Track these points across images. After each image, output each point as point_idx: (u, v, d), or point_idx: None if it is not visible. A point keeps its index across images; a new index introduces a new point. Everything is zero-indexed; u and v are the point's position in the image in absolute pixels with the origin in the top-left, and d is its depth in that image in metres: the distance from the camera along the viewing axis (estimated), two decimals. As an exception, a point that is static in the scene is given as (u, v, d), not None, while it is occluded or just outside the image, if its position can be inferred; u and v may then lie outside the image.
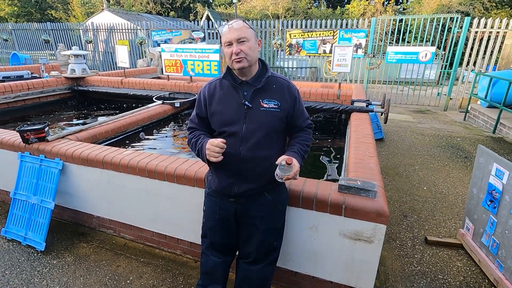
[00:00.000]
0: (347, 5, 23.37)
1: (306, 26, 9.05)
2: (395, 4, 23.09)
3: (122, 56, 4.65)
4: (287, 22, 9.29)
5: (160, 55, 10.14)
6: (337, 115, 3.65)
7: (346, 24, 8.67)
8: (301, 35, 9.10)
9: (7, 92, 4.10)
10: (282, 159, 1.26)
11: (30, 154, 2.37)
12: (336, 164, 3.03)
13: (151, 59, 9.76)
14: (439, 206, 2.94)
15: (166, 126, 3.72)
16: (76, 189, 2.33)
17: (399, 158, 4.16)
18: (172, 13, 24.02)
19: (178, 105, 3.83)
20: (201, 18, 20.96)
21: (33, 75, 7.61)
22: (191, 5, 23.46)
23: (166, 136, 3.52)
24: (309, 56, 9.37)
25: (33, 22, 14.48)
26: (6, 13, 21.95)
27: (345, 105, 3.47)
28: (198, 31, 10.55)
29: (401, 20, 8.51)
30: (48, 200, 2.24)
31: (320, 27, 8.87)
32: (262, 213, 1.42)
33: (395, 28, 8.61)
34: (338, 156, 3.20)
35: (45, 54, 14.52)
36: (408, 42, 13.44)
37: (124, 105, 4.76)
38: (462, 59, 7.88)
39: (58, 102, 4.83)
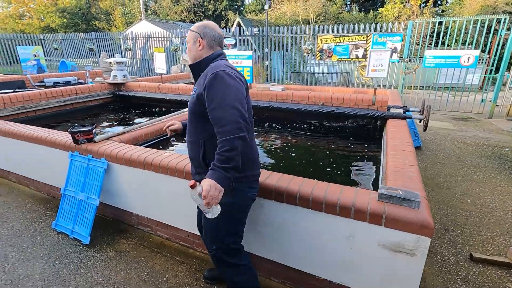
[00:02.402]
0: (381, 8, 22.68)
1: (338, 31, 8.93)
2: (433, 6, 21.99)
3: (160, 62, 4.89)
4: (318, 27, 9.22)
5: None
6: (372, 122, 3.53)
7: (381, 28, 8.42)
8: (333, 40, 8.97)
9: (59, 96, 4.47)
10: (192, 190, 1.25)
11: (79, 153, 2.57)
12: (370, 172, 2.93)
13: (185, 65, 10.14)
14: (485, 221, 2.72)
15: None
16: (118, 188, 2.48)
17: (438, 168, 3.93)
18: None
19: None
20: (232, 25, 21.48)
21: (79, 81, 8.24)
22: (223, 12, 24.12)
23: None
24: (340, 61, 9.21)
25: (79, 32, 15.74)
26: (57, 24, 24.06)
27: (381, 112, 3.36)
28: (229, 37, 10.81)
29: (440, 23, 8.08)
30: (94, 197, 2.40)
31: (353, 31, 8.70)
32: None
33: (433, 31, 8.20)
34: (372, 163, 3.10)
35: (89, 62, 15.67)
36: (447, 45, 12.70)
37: (163, 109, 5.00)
38: (510, 63, 7.30)
39: (101, 106, 5.19)
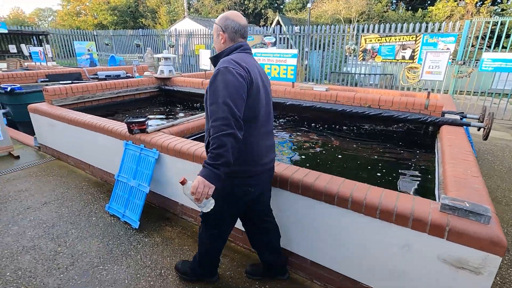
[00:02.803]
0: (430, 7, 21.24)
1: (384, 30, 8.52)
2: (491, 5, 20.11)
3: (205, 59, 5.03)
4: (363, 26, 8.88)
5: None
6: (423, 127, 3.33)
7: (432, 28, 7.89)
8: (378, 40, 8.58)
9: (112, 88, 4.80)
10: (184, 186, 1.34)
11: (132, 143, 2.73)
12: (421, 180, 2.76)
13: (224, 62, 10.31)
14: (554, 244, 2.44)
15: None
16: (166, 177, 2.60)
17: (495, 181, 3.60)
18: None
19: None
20: (271, 24, 21.47)
21: (127, 74, 8.78)
22: (262, 11, 24.18)
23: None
24: (382, 62, 8.78)
25: (127, 29, 16.74)
26: (108, 21, 25.84)
27: (435, 117, 3.15)
28: (270, 36, 10.82)
29: (497, 23, 7.35)
30: (144, 184, 2.54)
31: (401, 31, 8.25)
32: None
33: (491, 32, 7.49)
34: (421, 170, 2.92)
35: (135, 57, 16.63)
36: (506, 48, 11.49)
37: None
38: None
39: (149, 99, 5.47)
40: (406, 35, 8.09)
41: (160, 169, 2.60)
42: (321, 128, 3.98)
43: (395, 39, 8.31)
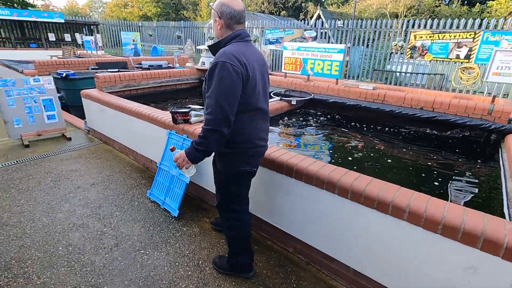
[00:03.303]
0: (491, 1, 19.24)
1: (437, 26, 7.86)
2: None
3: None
4: (414, 21, 8.27)
5: (270, 52, 10.57)
6: (484, 135, 3.00)
7: (495, 25, 7.11)
8: (430, 37, 7.95)
9: (156, 78, 4.95)
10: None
11: (176, 132, 2.77)
12: (480, 194, 2.49)
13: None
14: None
15: (281, 122, 3.81)
16: (205, 168, 2.61)
17: None
18: (283, 12, 24.76)
19: (295, 103, 3.87)
20: (311, 17, 20.93)
21: (169, 65, 9.05)
22: (303, 4, 23.61)
23: (280, 131, 3.61)
24: (431, 61, 8.13)
25: (170, 21, 17.28)
26: (152, 13, 26.90)
27: (500, 124, 2.82)
28: (310, 30, 10.52)
29: None
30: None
31: (457, 27, 7.55)
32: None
33: None
34: (480, 183, 2.64)
35: (175, 48, 17.16)
36: None
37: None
38: None
39: (189, 90, 5.58)
40: (463, 32, 7.40)
41: (201, 160, 2.61)
42: (365, 128, 3.76)
43: (450, 36, 7.64)
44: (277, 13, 24.89)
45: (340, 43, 10.11)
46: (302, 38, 10.76)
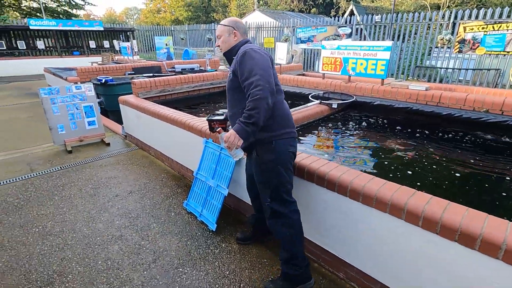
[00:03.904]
0: (550, -15, 17.13)
1: (492, 16, 7.06)
2: None
3: (281, 53, 4.79)
4: (463, 11, 7.51)
5: (302, 51, 10.25)
6: None
7: None
8: (482, 28, 7.17)
9: (190, 82, 4.92)
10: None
11: (213, 141, 2.65)
12: None
13: (293, 56, 9.95)
14: None
15: (323, 127, 3.55)
16: (240, 178, 2.45)
17: None
18: (313, 10, 24.16)
19: (336, 107, 3.59)
20: (342, 14, 20.14)
21: (201, 68, 9.11)
22: (334, 0, 22.84)
23: (323, 138, 3.35)
24: (477, 55, 7.32)
25: (200, 24, 17.58)
26: (183, 17, 27.64)
27: None
28: (345, 26, 10.03)
29: None
30: (223, 186, 2.44)
31: (516, 16, 6.72)
32: (254, 169, 1.80)
33: None
34: None
35: (205, 51, 17.40)
36: None
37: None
38: None
39: (222, 93, 5.49)
40: (524, 21, 6.55)
41: (239, 170, 2.46)
42: (418, 134, 3.37)
43: (507, 26, 6.81)
44: (307, 11, 24.34)
45: (377, 39, 9.52)
46: (336, 35, 10.29)
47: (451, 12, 7.72)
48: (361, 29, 10.05)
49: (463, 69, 8.08)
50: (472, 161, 2.75)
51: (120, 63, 8.61)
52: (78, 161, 3.80)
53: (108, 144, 4.36)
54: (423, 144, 3.15)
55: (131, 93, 4.51)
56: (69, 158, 3.91)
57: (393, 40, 9.30)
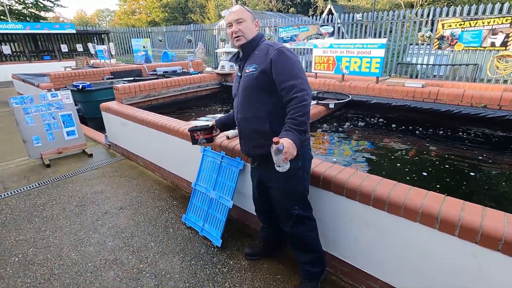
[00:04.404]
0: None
1: (468, 13, 7.30)
2: None
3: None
4: (441, 9, 7.73)
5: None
6: None
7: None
8: (460, 25, 7.40)
9: (176, 86, 4.68)
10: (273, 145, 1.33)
11: (211, 149, 2.46)
12: None
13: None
14: None
15: (323, 128, 3.44)
16: (250, 191, 2.28)
17: None
18: (292, 9, 24.29)
19: (333, 107, 3.50)
20: (320, 13, 20.37)
21: (183, 70, 8.81)
22: (312, 0, 23.08)
23: (325, 140, 3.24)
24: (453, 51, 7.57)
25: (178, 25, 17.17)
26: (160, 18, 26.92)
27: None
28: (327, 25, 10.07)
29: None
30: (227, 198, 2.26)
31: (491, 13, 6.98)
32: (275, 179, 1.62)
33: None
34: None
35: (185, 52, 16.99)
36: None
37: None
38: None
39: (210, 96, 5.29)
40: (498, 17, 6.82)
41: (243, 180, 2.29)
42: (417, 132, 3.35)
43: (483, 23, 7.07)
44: (286, 10, 24.43)
45: (355, 37, 9.62)
46: (318, 34, 10.33)
47: (429, 10, 7.91)
48: (339, 28, 10.11)
49: (444, 64, 8.33)
50: (480, 157, 2.74)
51: (97, 67, 8.15)
52: (58, 175, 3.47)
53: (91, 155, 4.04)
54: (429, 142, 3.12)
55: (112, 99, 4.22)
56: (48, 172, 3.57)
57: (374, 37, 9.44)
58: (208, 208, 2.38)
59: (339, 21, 9.87)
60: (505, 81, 7.11)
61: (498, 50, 7.00)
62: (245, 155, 1.82)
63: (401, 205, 1.45)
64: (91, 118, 5.94)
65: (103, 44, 15.66)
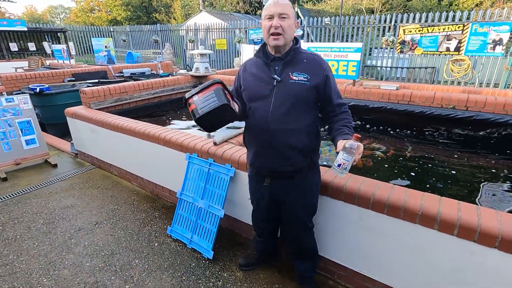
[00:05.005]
0: (457, -6, 20.06)
1: (426, 20, 7.88)
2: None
3: (248, 55, 4.60)
4: (402, 15, 8.25)
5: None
6: (526, 133, 2.83)
7: (483, 16, 7.20)
8: (419, 31, 7.96)
9: (149, 88, 4.44)
10: (346, 141, 1.24)
11: (198, 156, 2.34)
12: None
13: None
14: None
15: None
16: (241, 198, 2.21)
17: None
18: (259, 11, 24.46)
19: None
20: (287, 16, 20.69)
21: (152, 72, 8.44)
22: (278, 3, 23.41)
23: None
24: (409, 55, 8.16)
25: (142, 25, 16.47)
26: (122, 17, 25.61)
27: (547, 121, 2.65)
28: (297, 28, 10.25)
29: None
30: (217, 207, 2.16)
31: (446, 20, 7.59)
32: (295, 195, 1.54)
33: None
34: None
35: (151, 53, 16.33)
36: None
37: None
38: None
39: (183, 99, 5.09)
40: (452, 25, 7.45)
41: (234, 188, 2.21)
42: (392, 132, 3.50)
43: (439, 29, 7.67)
44: (253, 12, 24.56)
45: (321, 41, 9.94)
46: (288, 37, 10.47)
47: (391, 16, 8.40)
48: (307, 31, 10.37)
49: (406, 67, 8.89)
50: (435, 154, 2.94)
51: (55, 69, 7.49)
52: (18, 190, 3.10)
53: (55, 166, 3.67)
54: (406, 141, 3.28)
55: (75, 103, 3.88)
56: (5, 187, 3.18)
57: (342, 41, 9.81)
58: (196, 218, 2.26)
59: (305, 24, 10.12)
60: (459, 83, 7.77)
61: (452, 55, 7.63)
62: (263, 170, 1.54)
63: (401, 207, 1.48)
64: (51, 124, 5.45)
65: (59, 43, 14.49)
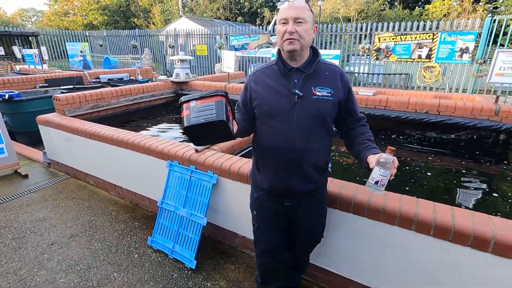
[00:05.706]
0: (427, 5, 21.26)
1: (399, 29, 8.25)
2: (487, 3, 20.26)
3: (228, 61, 4.61)
4: (377, 24, 8.60)
5: (237, 59, 10.24)
6: (493, 136, 3.01)
7: (451, 26, 7.64)
8: (393, 39, 8.32)
9: (128, 95, 4.33)
10: (380, 156, 1.14)
11: (179, 163, 2.30)
12: (488, 196, 2.44)
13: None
14: None
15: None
16: (224, 205, 2.19)
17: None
18: (239, 18, 24.68)
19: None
20: (268, 23, 21.09)
21: (131, 77, 8.25)
22: (258, 10, 23.79)
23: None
24: (384, 62, 8.54)
25: (120, 29, 16.09)
26: (98, 21, 24.93)
27: (510, 124, 2.83)
28: (275, 35, 10.41)
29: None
30: (200, 215, 2.12)
31: (417, 29, 7.99)
32: (313, 213, 1.44)
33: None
34: (487, 184, 2.60)
35: (129, 58, 15.97)
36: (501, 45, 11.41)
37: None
38: None
39: (165, 105, 5.01)
40: (423, 33, 7.85)
41: (216, 195, 2.18)
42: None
43: (411, 38, 8.06)
44: (234, 19, 24.73)
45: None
46: (269, 43, 10.63)
47: (367, 24, 8.73)
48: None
49: (381, 74, 9.24)
50: (410, 158, 3.07)
51: (26, 74, 7.14)
52: (-16, 203, 2.90)
53: (26, 176, 3.48)
54: (383, 145, 3.39)
55: (48, 110, 3.71)
56: (-31, 201, 2.96)
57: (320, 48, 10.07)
58: (178, 227, 2.21)
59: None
60: (431, 89, 8.17)
61: (424, 62, 8.03)
62: (284, 192, 1.35)
63: (396, 213, 1.51)
64: (22, 132, 5.17)
65: (30, 47, 13.85)
